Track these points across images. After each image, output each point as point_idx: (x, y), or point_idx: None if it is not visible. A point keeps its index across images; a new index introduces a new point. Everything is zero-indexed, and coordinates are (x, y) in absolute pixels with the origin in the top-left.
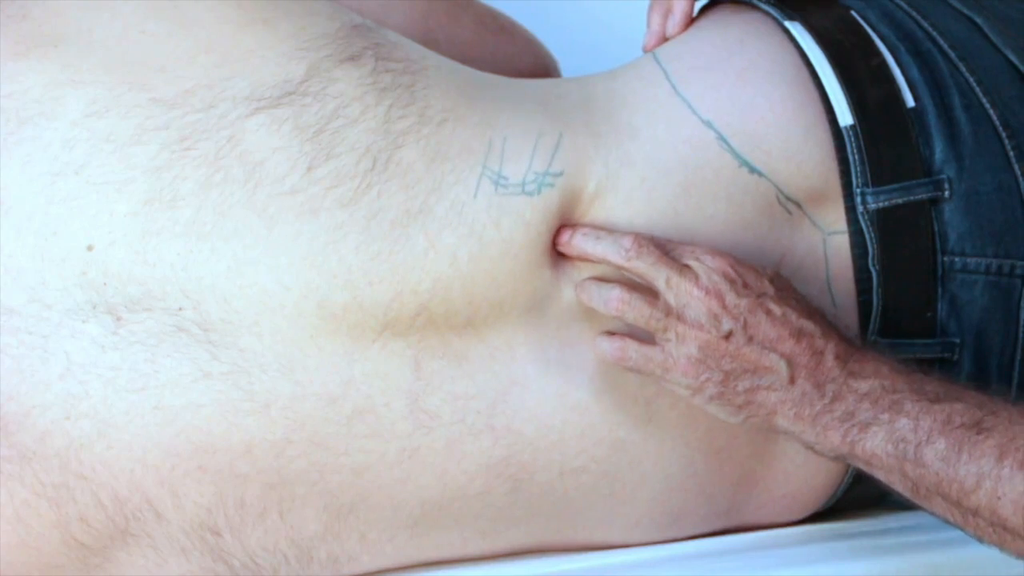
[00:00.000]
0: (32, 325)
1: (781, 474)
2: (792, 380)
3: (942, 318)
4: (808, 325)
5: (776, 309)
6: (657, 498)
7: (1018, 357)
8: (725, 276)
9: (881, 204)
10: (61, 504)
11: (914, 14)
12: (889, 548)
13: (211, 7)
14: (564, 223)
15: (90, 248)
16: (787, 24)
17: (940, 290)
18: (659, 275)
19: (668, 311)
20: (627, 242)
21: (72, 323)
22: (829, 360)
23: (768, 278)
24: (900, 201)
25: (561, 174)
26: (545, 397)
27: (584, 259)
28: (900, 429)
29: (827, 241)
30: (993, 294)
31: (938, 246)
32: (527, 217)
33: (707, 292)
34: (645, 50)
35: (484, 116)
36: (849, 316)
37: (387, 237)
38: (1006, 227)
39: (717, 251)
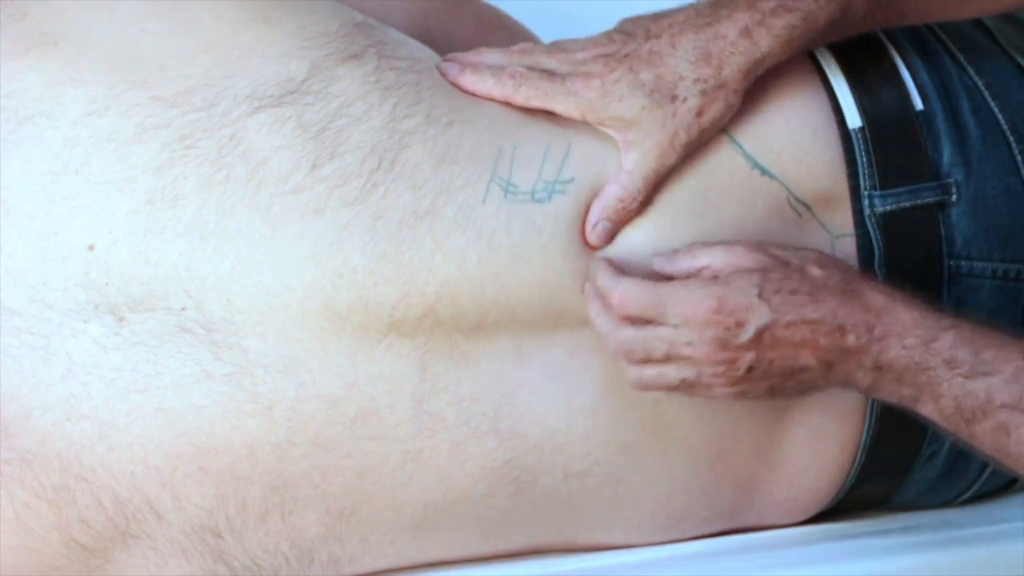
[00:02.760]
0: (33, 325)
1: (784, 478)
2: (829, 369)
3: None
4: (815, 316)
5: (780, 322)
6: (660, 500)
7: None
8: (714, 326)
9: (888, 207)
10: (61, 506)
11: None
12: (890, 549)
13: (211, 6)
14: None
15: (91, 248)
16: None
17: (946, 294)
18: (658, 354)
19: (683, 380)
20: (621, 356)
21: (74, 323)
22: (851, 341)
23: (758, 292)
24: (907, 204)
25: (572, 180)
26: (552, 400)
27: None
28: (944, 408)
29: (835, 244)
30: (999, 298)
31: (944, 250)
32: (538, 223)
33: (706, 355)
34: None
35: (492, 121)
36: None
37: (394, 237)
38: (1013, 231)
39: (694, 295)
